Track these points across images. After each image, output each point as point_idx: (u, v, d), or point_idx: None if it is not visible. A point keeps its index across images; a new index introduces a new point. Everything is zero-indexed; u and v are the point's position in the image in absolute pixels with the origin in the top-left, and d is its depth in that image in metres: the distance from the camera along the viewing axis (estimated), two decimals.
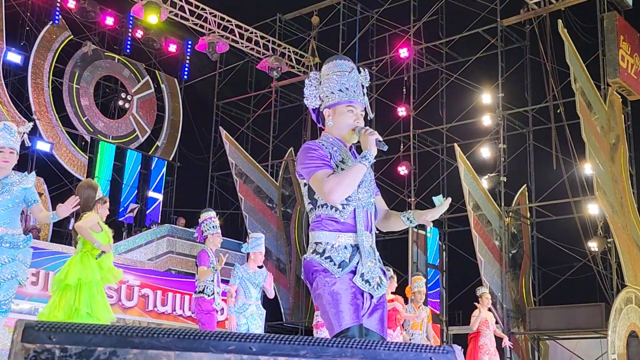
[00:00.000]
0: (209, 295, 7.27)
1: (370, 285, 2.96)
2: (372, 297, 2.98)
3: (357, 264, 2.95)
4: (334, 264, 2.93)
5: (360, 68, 3.26)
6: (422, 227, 14.55)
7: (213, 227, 7.48)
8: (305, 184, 3.08)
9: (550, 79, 13.85)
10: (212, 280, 7.35)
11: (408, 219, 3.20)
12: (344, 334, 2.83)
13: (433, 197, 3.20)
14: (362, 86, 3.20)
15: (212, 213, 7.63)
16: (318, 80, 3.22)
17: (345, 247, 2.97)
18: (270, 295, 7.88)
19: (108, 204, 6.27)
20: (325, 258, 2.95)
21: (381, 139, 3.05)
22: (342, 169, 3.02)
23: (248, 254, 7.85)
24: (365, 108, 3.20)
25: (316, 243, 3.01)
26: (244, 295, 7.47)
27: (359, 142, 3.14)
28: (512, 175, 14.15)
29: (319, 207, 3.03)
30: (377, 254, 3.08)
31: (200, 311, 7.27)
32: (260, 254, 7.68)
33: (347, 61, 3.22)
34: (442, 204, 3.15)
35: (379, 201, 3.26)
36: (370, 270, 2.98)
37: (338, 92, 3.13)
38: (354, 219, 3.00)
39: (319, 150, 3.03)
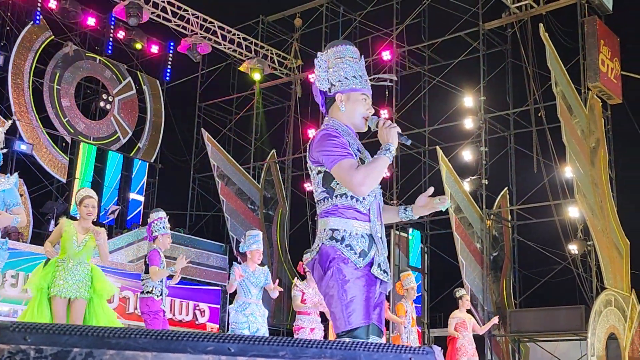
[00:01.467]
0: (157, 296, 7.17)
1: (387, 275, 2.90)
2: (382, 290, 2.90)
3: (375, 254, 2.89)
4: (355, 253, 2.85)
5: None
6: (403, 229, 14.60)
7: (163, 227, 7.35)
8: (319, 172, 2.97)
9: (531, 82, 13.93)
10: (161, 281, 7.27)
11: (405, 210, 3.18)
12: (351, 333, 2.74)
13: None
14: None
15: (163, 213, 7.47)
16: (326, 62, 3.15)
17: (362, 236, 2.89)
18: (274, 295, 7.65)
19: (87, 203, 6.02)
20: (346, 246, 2.85)
21: (402, 133, 3.00)
22: (361, 159, 2.96)
23: (245, 252, 7.69)
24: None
25: (332, 230, 2.89)
26: (244, 294, 7.33)
27: (368, 130, 3.08)
28: (493, 178, 14.23)
29: (336, 196, 2.93)
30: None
31: (148, 311, 7.18)
32: (257, 252, 7.45)
33: (354, 47, 3.17)
34: (442, 201, 3.11)
35: None
36: (384, 262, 2.93)
37: (352, 78, 3.06)
38: (369, 209, 2.96)
39: (340, 138, 2.93)
